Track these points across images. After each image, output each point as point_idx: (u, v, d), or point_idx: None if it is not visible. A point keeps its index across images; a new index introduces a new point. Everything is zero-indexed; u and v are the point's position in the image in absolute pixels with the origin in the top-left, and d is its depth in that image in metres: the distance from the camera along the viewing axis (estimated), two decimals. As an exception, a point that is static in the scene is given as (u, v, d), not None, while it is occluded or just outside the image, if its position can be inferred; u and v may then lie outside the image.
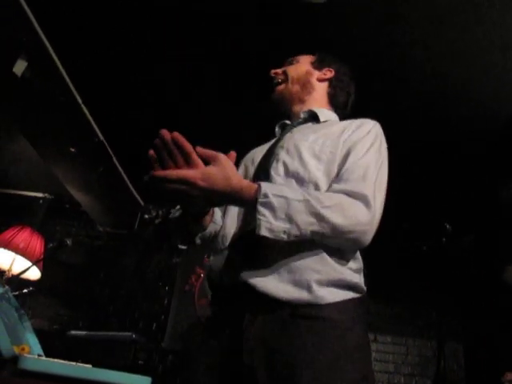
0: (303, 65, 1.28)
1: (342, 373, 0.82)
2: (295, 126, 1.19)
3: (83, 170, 3.14)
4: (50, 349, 1.15)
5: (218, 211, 1.13)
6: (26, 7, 2.04)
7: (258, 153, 1.17)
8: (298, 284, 0.89)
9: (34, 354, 0.86)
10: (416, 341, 3.89)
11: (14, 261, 2.69)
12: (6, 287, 1.03)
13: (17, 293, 1.97)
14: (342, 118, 1.24)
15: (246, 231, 0.98)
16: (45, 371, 0.70)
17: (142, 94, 2.68)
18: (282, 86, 1.26)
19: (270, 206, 0.84)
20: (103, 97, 2.69)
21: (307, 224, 0.86)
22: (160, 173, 0.82)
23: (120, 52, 2.38)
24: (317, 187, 0.98)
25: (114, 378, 0.75)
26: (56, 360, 0.75)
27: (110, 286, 3.79)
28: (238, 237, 1.01)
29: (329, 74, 1.27)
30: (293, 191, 0.89)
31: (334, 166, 1.00)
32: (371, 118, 1.12)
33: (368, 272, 1.03)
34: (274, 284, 0.89)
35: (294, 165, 1.02)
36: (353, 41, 2.11)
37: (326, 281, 0.90)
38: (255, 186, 0.87)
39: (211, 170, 0.83)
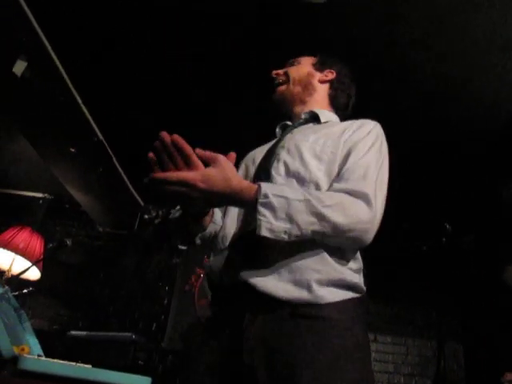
0: (305, 66, 1.29)
1: (342, 373, 0.82)
2: (296, 127, 1.19)
3: (83, 170, 3.14)
4: (50, 349, 1.15)
5: (218, 212, 1.13)
6: (25, 7, 2.04)
7: (258, 153, 1.17)
8: (298, 283, 0.89)
9: (33, 355, 0.86)
10: (416, 341, 3.88)
11: (13, 261, 2.69)
12: (6, 287, 1.03)
13: (16, 293, 1.96)
14: (343, 119, 1.24)
15: (247, 231, 0.98)
16: (45, 371, 0.70)
17: (141, 93, 2.68)
18: (283, 87, 1.27)
19: (270, 207, 0.84)
20: (103, 97, 2.69)
21: (308, 224, 0.86)
22: (160, 175, 0.82)
23: (120, 52, 2.38)
24: (318, 187, 0.98)
25: (114, 378, 0.75)
26: (56, 360, 0.75)
27: (110, 286, 3.79)
28: (238, 237, 1.01)
29: (330, 75, 1.28)
30: (293, 191, 0.89)
31: (334, 166, 1.00)
32: (371, 118, 1.12)
33: (368, 272, 1.03)
34: (274, 283, 0.89)
35: (295, 165, 1.02)
36: (353, 41, 2.11)
37: (326, 280, 0.90)
38: (255, 186, 0.87)
39: (211, 171, 0.83)
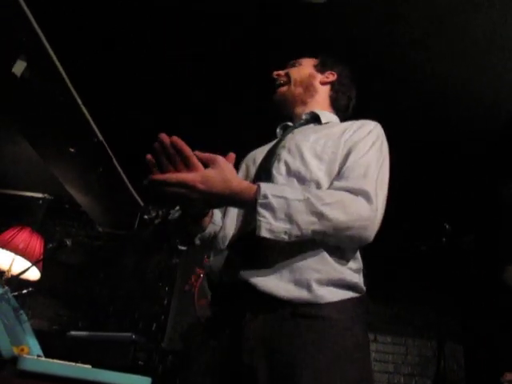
0: (306, 67, 1.30)
1: (342, 373, 0.82)
2: (297, 127, 1.20)
3: (83, 170, 3.14)
4: (50, 349, 1.15)
5: (217, 212, 1.14)
6: (25, 7, 2.04)
7: (259, 153, 1.17)
8: (298, 283, 0.89)
9: (33, 355, 0.86)
10: (416, 341, 3.88)
11: (13, 261, 2.68)
12: (6, 288, 1.03)
13: (16, 293, 1.96)
14: (343, 120, 1.25)
15: (246, 232, 0.98)
16: (44, 372, 0.70)
17: (141, 94, 2.68)
18: (284, 88, 1.27)
19: (269, 207, 0.84)
20: (103, 97, 2.69)
21: (308, 224, 0.86)
22: (159, 176, 0.82)
23: (120, 52, 2.38)
24: (318, 187, 0.98)
25: (114, 378, 0.75)
26: (55, 361, 0.75)
27: (110, 286, 3.79)
28: (238, 237, 1.01)
29: (331, 77, 1.28)
30: (293, 191, 0.89)
31: (335, 165, 1.01)
32: (371, 119, 1.12)
33: (368, 272, 1.03)
34: (274, 283, 0.89)
35: (296, 164, 1.02)
36: (353, 41, 2.11)
37: (326, 280, 0.90)
38: (254, 187, 0.87)
39: (210, 172, 0.83)
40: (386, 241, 1.57)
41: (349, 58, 1.32)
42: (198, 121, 2.80)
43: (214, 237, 1.07)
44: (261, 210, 0.84)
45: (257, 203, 0.84)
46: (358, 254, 1.01)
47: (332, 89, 1.28)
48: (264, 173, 1.06)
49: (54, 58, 2.34)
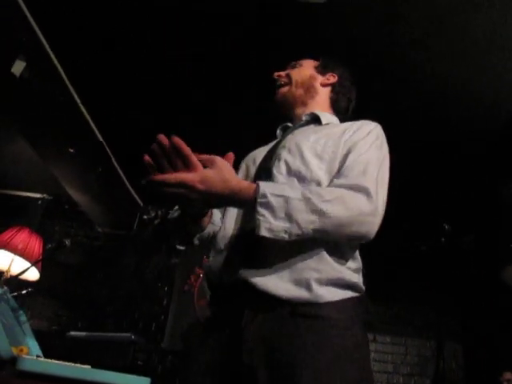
0: (307, 69, 1.30)
1: (342, 372, 0.82)
2: (297, 128, 1.20)
3: (82, 170, 3.14)
4: (49, 350, 1.15)
5: (217, 212, 1.14)
6: (24, 7, 2.04)
7: (259, 153, 1.17)
8: (297, 282, 0.89)
9: (32, 355, 0.86)
10: (415, 341, 3.88)
11: (12, 261, 2.68)
12: (5, 288, 1.03)
13: (15, 294, 1.95)
14: (343, 122, 1.25)
15: (246, 231, 0.98)
16: (43, 372, 0.70)
17: (141, 94, 2.67)
18: (285, 89, 1.27)
19: (268, 206, 0.84)
20: (102, 97, 2.68)
21: (308, 222, 0.85)
22: (158, 177, 0.82)
23: (119, 52, 2.38)
24: (319, 186, 0.98)
25: (113, 378, 0.75)
26: (55, 361, 0.75)
27: (109, 286, 3.78)
28: (237, 237, 1.01)
29: (332, 79, 1.29)
30: (293, 190, 0.89)
31: (335, 164, 1.01)
32: (371, 119, 1.13)
33: (367, 272, 1.03)
34: (274, 282, 0.89)
35: (296, 163, 1.02)
36: (353, 41, 2.11)
37: (326, 280, 0.90)
38: (254, 186, 0.87)
39: (209, 172, 0.83)
40: (386, 241, 1.57)
41: (349, 58, 1.32)
42: (198, 121, 2.79)
43: (213, 237, 1.07)
44: (260, 209, 0.84)
45: (256, 202, 0.84)
46: (358, 254, 1.01)
47: (332, 90, 1.28)
48: (264, 172, 1.06)
49: (53, 57, 2.33)
